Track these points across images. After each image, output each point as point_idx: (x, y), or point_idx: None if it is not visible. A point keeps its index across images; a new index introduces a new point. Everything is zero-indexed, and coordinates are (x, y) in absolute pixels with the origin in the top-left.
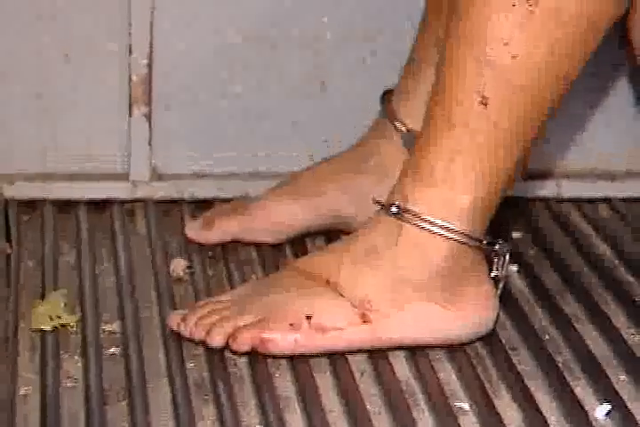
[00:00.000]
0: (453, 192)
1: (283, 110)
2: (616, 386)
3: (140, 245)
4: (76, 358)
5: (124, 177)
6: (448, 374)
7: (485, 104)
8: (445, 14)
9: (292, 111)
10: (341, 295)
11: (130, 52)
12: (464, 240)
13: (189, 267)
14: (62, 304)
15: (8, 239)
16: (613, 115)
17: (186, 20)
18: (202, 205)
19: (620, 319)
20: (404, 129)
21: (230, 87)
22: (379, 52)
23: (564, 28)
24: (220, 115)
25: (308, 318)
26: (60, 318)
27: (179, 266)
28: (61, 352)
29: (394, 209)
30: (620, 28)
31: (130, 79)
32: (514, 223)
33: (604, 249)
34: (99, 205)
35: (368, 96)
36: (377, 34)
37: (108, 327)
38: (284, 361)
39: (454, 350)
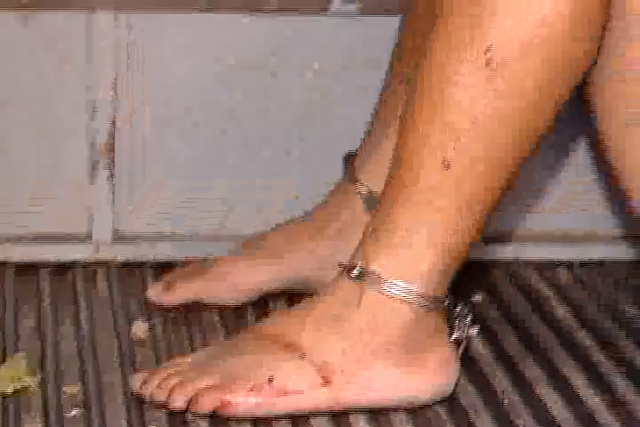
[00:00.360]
0: (415, 255)
1: (243, 171)
2: None
3: (102, 308)
4: (38, 420)
5: (86, 239)
6: None
7: (448, 167)
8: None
9: (251, 177)
10: (303, 358)
11: (93, 114)
12: (425, 303)
13: (151, 329)
14: (23, 367)
15: None
16: (573, 179)
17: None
18: (164, 267)
19: (579, 382)
20: (365, 192)
21: (190, 148)
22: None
23: (526, 93)
24: (181, 179)
25: (270, 380)
26: (20, 380)
27: (140, 328)
28: (22, 415)
29: (355, 272)
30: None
31: (93, 142)
32: (474, 286)
33: (563, 313)
34: (60, 268)
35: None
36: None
37: (69, 390)
38: (246, 423)
39: (415, 412)
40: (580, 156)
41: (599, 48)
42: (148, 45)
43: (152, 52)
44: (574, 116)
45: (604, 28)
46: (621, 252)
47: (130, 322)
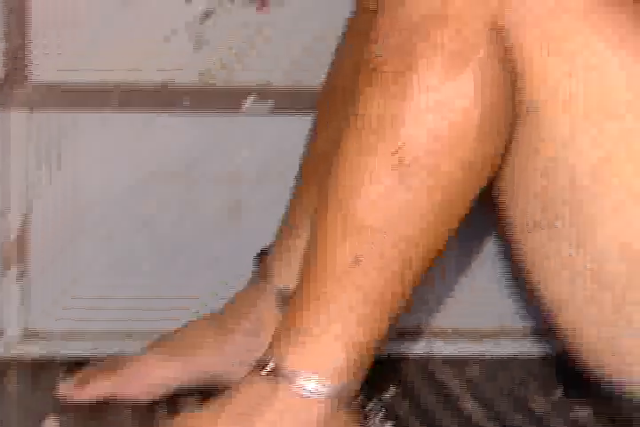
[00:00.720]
0: (327, 353)
1: (157, 271)
2: None
3: (12, 406)
4: None
5: None
6: None
7: (358, 264)
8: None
9: (164, 278)
10: None
11: (4, 212)
12: (337, 401)
13: None
14: None
15: None
16: (483, 275)
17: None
18: (75, 365)
19: None
20: (277, 289)
21: (104, 248)
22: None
23: (438, 191)
24: (94, 277)
25: None
26: None
27: (50, 426)
28: None
29: (267, 368)
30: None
31: (4, 239)
32: (386, 381)
33: (474, 407)
34: None
35: None
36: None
37: None
38: None
39: None
40: (490, 253)
41: (507, 147)
42: (62, 145)
43: (67, 150)
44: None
45: (511, 126)
46: (530, 347)
47: (40, 420)
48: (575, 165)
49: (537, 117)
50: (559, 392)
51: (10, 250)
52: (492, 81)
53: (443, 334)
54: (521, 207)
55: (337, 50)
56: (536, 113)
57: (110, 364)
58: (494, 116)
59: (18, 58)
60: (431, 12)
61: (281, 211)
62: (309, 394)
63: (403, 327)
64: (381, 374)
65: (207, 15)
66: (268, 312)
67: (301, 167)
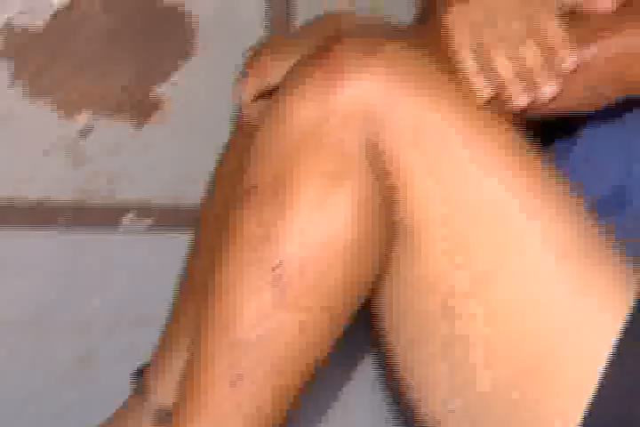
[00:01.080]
0: None
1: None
2: None
3: None
4: None
5: None
6: None
7: (235, 384)
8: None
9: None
10: None
11: None
12: None
13: None
14: None
15: None
16: (361, 393)
17: None
18: None
19: None
20: (155, 406)
21: None
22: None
23: (314, 309)
24: None
25: None
26: None
27: None
28: None
29: None
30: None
31: None
32: None
33: None
34: None
35: None
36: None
37: None
38: None
39: None
40: (367, 370)
41: (386, 266)
42: None
43: None
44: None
45: (387, 245)
46: None
47: None
48: (450, 285)
49: (412, 237)
50: None
51: None
52: (368, 201)
53: None
54: (396, 325)
55: (216, 168)
56: (412, 233)
57: None
58: (370, 237)
59: None
60: (305, 133)
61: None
62: None
63: None
64: None
65: (86, 131)
66: None
67: (180, 284)
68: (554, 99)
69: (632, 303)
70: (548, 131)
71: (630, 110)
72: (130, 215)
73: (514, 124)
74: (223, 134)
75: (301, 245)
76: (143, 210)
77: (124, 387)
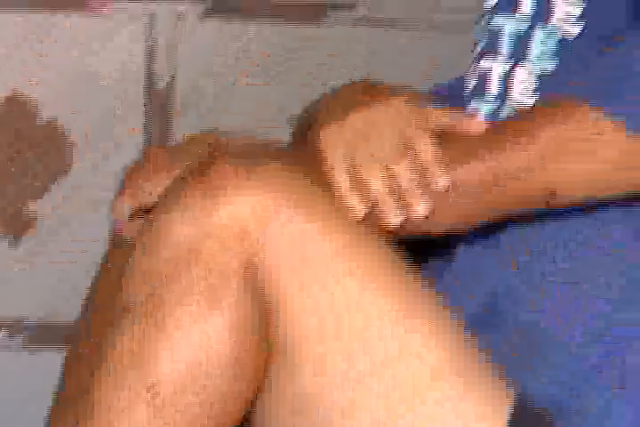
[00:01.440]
0: None
1: None
2: None
3: None
4: None
5: None
6: None
7: None
8: None
9: None
10: None
11: None
12: None
13: None
14: None
15: None
16: None
17: None
18: None
19: None
20: None
21: None
22: None
23: (194, 424)
24: None
25: None
26: None
27: None
28: None
29: None
30: None
31: None
32: None
33: None
34: None
35: None
36: None
37: None
38: None
39: None
40: None
41: (264, 382)
42: None
43: None
44: None
45: (264, 363)
46: None
47: None
48: (326, 402)
49: (286, 355)
50: None
51: None
52: (245, 319)
53: None
54: None
55: (92, 283)
56: (287, 351)
57: None
58: (246, 355)
59: None
60: (182, 253)
61: None
62: None
63: None
64: None
65: None
66: None
67: (57, 396)
68: (427, 218)
69: (508, 411)
70: (425, 247)
71: (504, 231)
72: (1, 333)
73: (390, 239)
74: (100, 248)
75: (176, 365)
76: (15, 327)
77: None
